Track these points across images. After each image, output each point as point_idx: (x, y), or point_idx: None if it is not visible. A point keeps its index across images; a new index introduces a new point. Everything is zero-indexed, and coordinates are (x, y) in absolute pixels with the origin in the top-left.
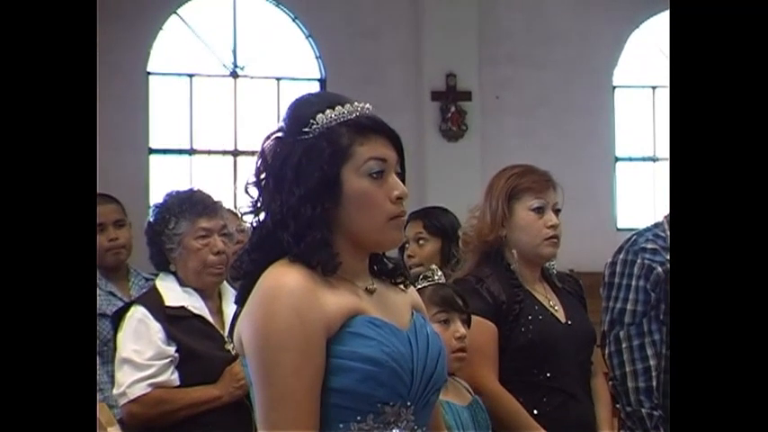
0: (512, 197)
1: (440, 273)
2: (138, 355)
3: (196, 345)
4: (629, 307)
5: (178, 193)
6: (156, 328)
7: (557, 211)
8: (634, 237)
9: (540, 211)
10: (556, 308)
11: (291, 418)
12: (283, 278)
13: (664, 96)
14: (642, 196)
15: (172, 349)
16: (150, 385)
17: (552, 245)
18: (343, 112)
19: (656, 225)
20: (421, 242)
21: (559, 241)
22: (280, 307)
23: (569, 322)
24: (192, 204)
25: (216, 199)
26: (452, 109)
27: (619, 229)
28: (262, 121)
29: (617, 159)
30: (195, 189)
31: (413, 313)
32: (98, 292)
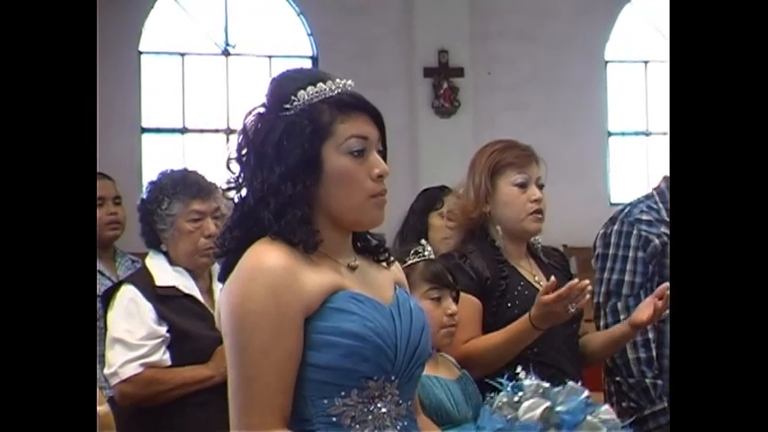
0: (494, 173)
1: (429, 248)
2: (130, 335)
3: (187, 325)
4: (626, 278)
5: (173, 172)
6: (146, 308)
7: (540, 186)
8: (628, 208)
9: (523, 186)
10: (541, 283)
11: (258, 400)
12: (263, 257)
13: (656, 71)
14: (635, 171)
15: (163, 329)
16: (142, 365)
17: (536, 219)
18: (325, 89)
19: (648, 197)
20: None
21: (544, 216)
22: (257, 287)
23: None
24: (186, 186)
25: (210, 180)
26: (445, 85)
27: (612, 204)
28: (254, 100)
29: (609, 134)
30: (190, 170)
31: (396, 288)
32: None
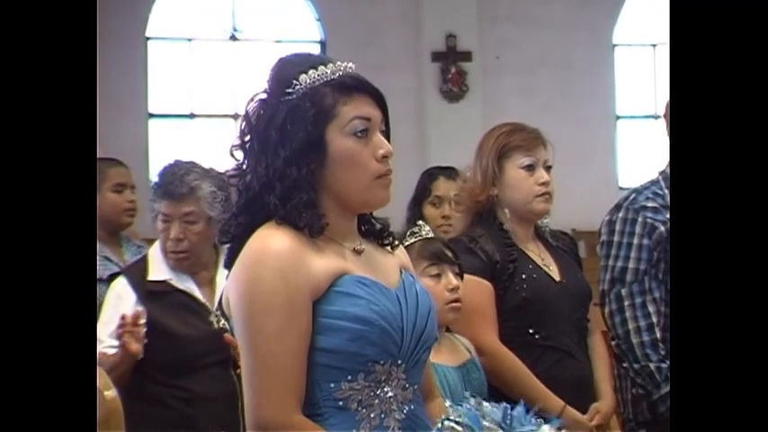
0: (501, 156)
1: (427, 228)
2: (102, 327)
3: (172, 323)
4: (630, 265)
5: (166, 166)
6: (128, 306)
7: (548, 168)
8: (633, 195)
9: (530, 168)
10: (550, 267)
11: (275, 382)
12: (269, 241)
13: (664, 54)
14: (643, 154)
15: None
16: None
17: (545, 201)
18: (326, 72)
19: (653, 183)
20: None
21: (552, 197)
22: (265, 270)
23: (563, 280)
24: (160, 186)
25: (190, 181)
26: (453, 70)
27: (620, 188)
28: (261, 85)
29: (618, 117)
30: (172, 166)
31: (401, 272)
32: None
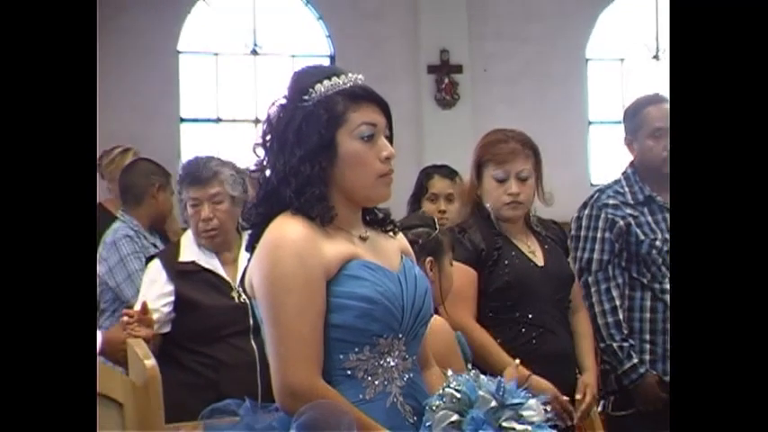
0: (479, 165)
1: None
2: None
3: (200, 296)
4: (595, 256)
5: (189, 160)
6: (161, 284)
7: (523, 179)
8: (597, 194)
9: (501, 180)
10: (535, 253)
11: (299, 352)
12: (286, 229)
13: (631, 67)
14: (613, 155)
15: (165, 307)
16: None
17: (512, 209)
18: (338, 83)
19: (616, 182)
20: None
21: (523, 204)
22: (284, 254)
23: (546, 266)
24: (186, 175)
25: (213, 167)
26: (446, 80)
27: (592, 185)
28: (279, 93)
29: (590, 123)
30: (194, 158)
31: (402, 257)
32: (145, 243)
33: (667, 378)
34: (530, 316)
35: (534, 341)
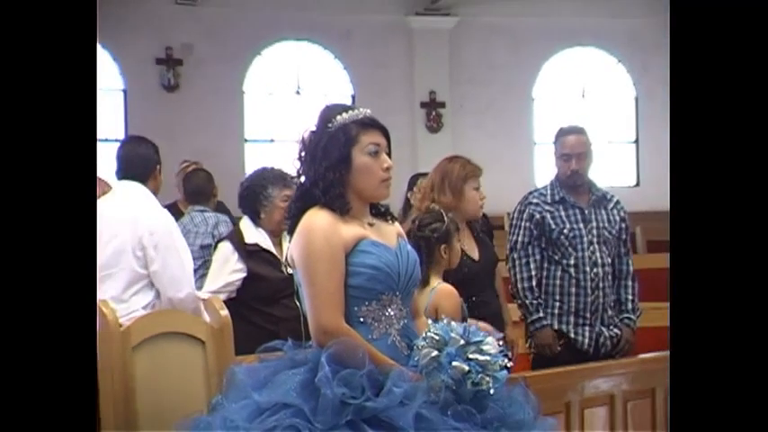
0: (465, 179)
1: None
2: (211, 282)
3: (262, 270)
4: (519, 239)
5: (272, 169)
6: (233, 261)
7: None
8: (527, 195)
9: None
10: (472, 251)
11: (328, 303)
12: (316, 218)
13: (567, 104)
14: (551, 168)
15: (236, 280)
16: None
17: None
18: (353, 114)
19: (543, 187)
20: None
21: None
22: (315, 236)
23: (480, 260)
24: (280, 178)
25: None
26: (433, 113)
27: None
28: (311, 123)
29: (535, 143)
30: (277, 167)
31: (398, 238)
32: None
33: (566, 331)
34: (472, 294)
35: (477, 311)
